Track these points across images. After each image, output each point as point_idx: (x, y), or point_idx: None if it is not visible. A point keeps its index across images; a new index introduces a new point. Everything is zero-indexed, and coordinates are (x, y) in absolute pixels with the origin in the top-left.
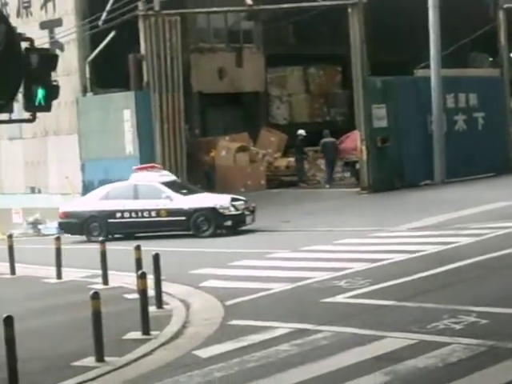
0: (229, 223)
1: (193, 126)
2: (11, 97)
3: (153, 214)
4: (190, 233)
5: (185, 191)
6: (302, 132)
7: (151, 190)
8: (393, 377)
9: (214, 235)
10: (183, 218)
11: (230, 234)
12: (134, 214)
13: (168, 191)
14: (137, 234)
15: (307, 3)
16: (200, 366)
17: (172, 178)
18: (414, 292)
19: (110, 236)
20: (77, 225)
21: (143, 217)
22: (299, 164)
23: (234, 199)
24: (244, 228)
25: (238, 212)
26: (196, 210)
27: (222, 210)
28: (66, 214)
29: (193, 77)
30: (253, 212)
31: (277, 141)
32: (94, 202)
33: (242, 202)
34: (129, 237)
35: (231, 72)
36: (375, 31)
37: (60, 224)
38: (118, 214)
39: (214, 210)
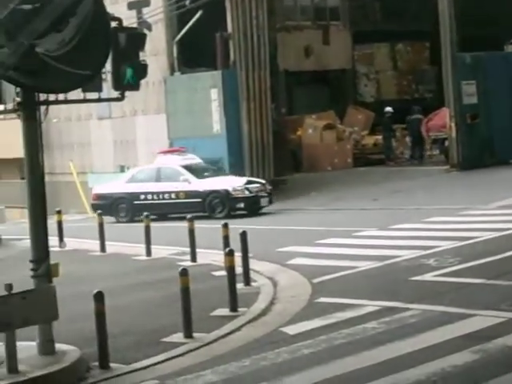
0: (241, 205)
1: (279, 105)
2: (98, 68)
3: (172, 195)
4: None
5: (207, 174)
6: (389, 109)
7: (172, 172)
8: (482, 355)
9: (252, 215)
10: (199, 199)
11: (249, 215)
12: (155, 196)
13: (187, 174)
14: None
15: None
16: (287, 342)
17: (195, 161)
18: (504, 270)
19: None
20: (106, 206)
21: (164, 199)
22: (387, 142)
23: (249, 182)
24: (268, 209)
25: (252, 194)
26: (210, 193)
27: (234, 193)
28: (98, 196)
29: (279, 55)
30: (270, 194)
31: (364, 118)
32: (122, 185)
33: (257, 185)
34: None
35: (318, 50)
36: (464, 6)
37: (92, 205)
38: (142, 196)
39: (227, 192)
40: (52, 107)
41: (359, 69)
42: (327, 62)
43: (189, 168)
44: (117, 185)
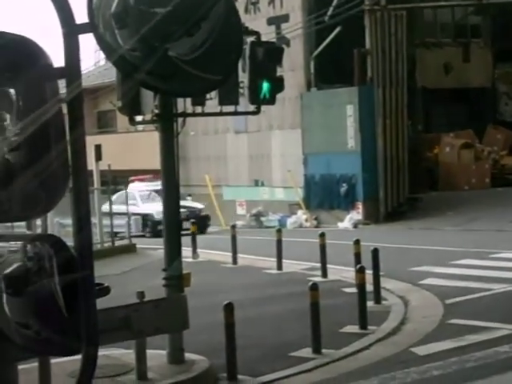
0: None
1: (416, 122)
2: (228, 74)
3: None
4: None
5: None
6: None
7: (131, 196)
8: None
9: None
10: (141, 220)
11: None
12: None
13: (138, 198)
14: None
15: None
16: (417, 363)
17: (156, 187)
18: None
19: None
20: None
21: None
22: None
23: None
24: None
25: None
26: (145, 215)
27: (157, 216)
28: None
29: (417, 72)
30: (204, 218)
31: (503, 138)
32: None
33: (183, 210)
34: None
35: (457, 67)
36: None
37: None
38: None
39: (150, 215)
40: (190, 120)
41: (500, 87)
42: (467, 80)
43: (144, 193)
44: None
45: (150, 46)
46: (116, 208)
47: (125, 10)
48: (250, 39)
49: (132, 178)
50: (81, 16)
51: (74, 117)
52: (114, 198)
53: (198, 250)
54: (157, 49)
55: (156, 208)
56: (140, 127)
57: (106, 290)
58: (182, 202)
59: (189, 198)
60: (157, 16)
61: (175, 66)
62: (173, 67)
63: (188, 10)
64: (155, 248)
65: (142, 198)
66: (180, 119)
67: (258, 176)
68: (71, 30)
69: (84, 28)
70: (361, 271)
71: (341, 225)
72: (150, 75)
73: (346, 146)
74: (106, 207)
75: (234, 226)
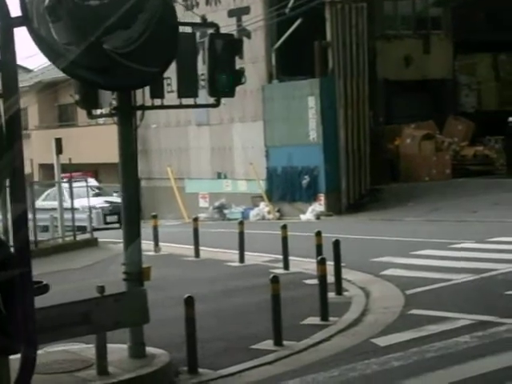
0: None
1: (377, 114)
2: (165, 65)
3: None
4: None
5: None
6: None
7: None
8: None
9: None
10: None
11: None
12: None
13: (66, 194)
14: None
15: None
16: (378, 354)
17: (83, 185)
18: None
19: None
20: None
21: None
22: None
23: (105, 201)
24: None
25: None
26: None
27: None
28: None
29: (378, 64)
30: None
31: (464, 129)
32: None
33: (106, 205)
34: None
35: (418, 59)
36: None
37: None
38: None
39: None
40: (151, 113)
41: (460, 79)
42: (427, 72)
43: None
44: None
45: (85, 40)
46: (48, 204)
47: (58, 2)
48: (209, 31)
49: (62, 175)
50: (16, 10)
51: (11, 111)
52: (46, 193)
53: (160, 244)
54: (92, 42)
55: (82, 203)
56: (101, 120)
57: (44, 288)
58: (108, 198)
59: (115, 194)
60: (92, 9)
61: (112, 60)
62: (109, 61)
63: (124, 2)
64: (117, 242)
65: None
66: (139, 112)
67: (220, 168)
68: (5, 24)
69: (18, 21)
70: (322, 263)
71: (303, 217)
72: (87, 69)
73: (308, 137)
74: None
75: (196, 219)
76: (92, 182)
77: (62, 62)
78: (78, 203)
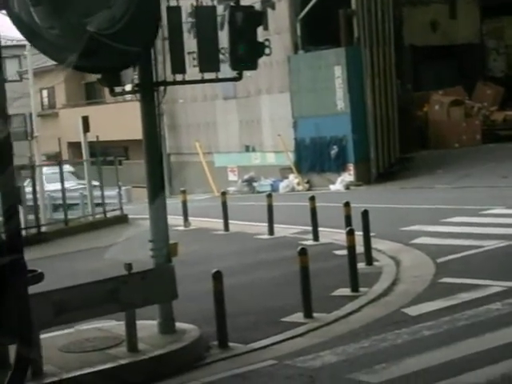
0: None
1: (405, 81)
2: (148, 44)
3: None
4: None
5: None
6: None
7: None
8: None
9: None
10: None
11: None
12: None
13: (44, 179)
14: None
15: None
16: (408, 323)
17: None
18: None
19: None
20: None
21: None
22: None
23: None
24: None
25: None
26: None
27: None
28: None
29: (405, 30)
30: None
31: (493, 94)
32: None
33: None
34: None
35: (444, 24)
36: None
37: None
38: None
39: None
40: (178, 88)
41: (488, 43)
42: (455, 37)
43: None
44: None
45: (67, 23)
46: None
47: None
48: (229, 4)
49: (42, 162)
50: None
51: None
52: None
53: (190, 218)
54: (75, 25)
55: (55, 187)
56: (128, 97)
57: (38, 277)
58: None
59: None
60: None
61: (96, 42)
62: (94, 43)
63: None
64: (145, 218)
65: (48, 179)
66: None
67: (248, 141)
68: None
69: None
70: (350, 233)
71: (332, 187)
72: (72, 53)
73: (336, 107)
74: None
75: (224, 193)
76: (67, 167)
77: (45, 46)
78: (53, 187)
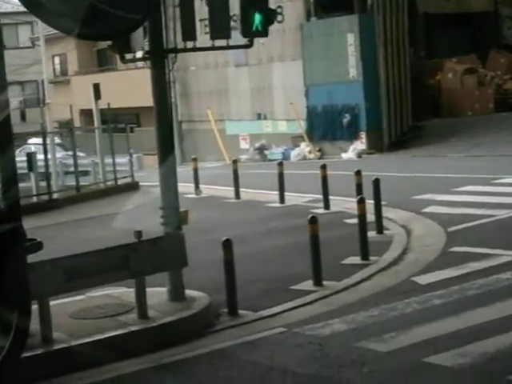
0: None
1: (418, 49)
2: (148, 10)
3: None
4: None
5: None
6: None
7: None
8: None
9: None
10: None
11: None
12: None
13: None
14: None
15: None
16: (418, 292)
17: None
18: None
19: None
20: None
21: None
22: None
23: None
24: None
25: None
26: None
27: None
28: None
29: None
30: None
31: (507, 62)
32: None
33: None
34: None
35: None
36: None
37: None
38: None
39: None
40: (190, 55)
41: (503, 11)
42: (469, 5)
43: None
44: None
45: None
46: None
47: None
48: None
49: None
50: None
51: None
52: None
53: (201, 186)
54: None
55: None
56: (140, 64)
57: (37, 246)
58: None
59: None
60: None
61: (93, 8)
62: (91, 9)
63: None
64: (156, 185)
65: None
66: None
67: (260, 109)
68: None
69: None
70: (361, 202)
71: (344, 155)
72: (71, 20)
73: (348, 75)
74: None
75: (235, 161)
76: (55, 139)
77: (44, 14)
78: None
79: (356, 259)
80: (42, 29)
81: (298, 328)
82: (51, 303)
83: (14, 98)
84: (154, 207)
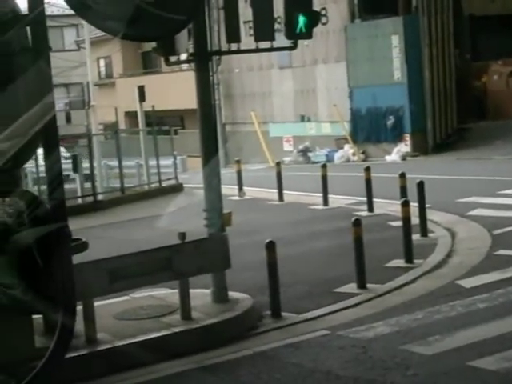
0: None
1: (463, 51)
2: (193, 13)
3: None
4: None
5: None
6: None
7: None
8: None
9: None
10: None
11: None
12: None
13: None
14: None
15: None
16: (463, 296)
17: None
18: None
19: None
20: None
21: None
22: None
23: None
24: None
25: None
26: None
27: None
28: None
29: None
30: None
31: None
32: None
33: None
34: None
35: None
36: None
37: None
38: None
39: None
40: (234, 57)
41: None
42: None
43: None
44: None
45: None
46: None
47: None
48: None
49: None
50: None
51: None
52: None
53: (244, 188)
54: None
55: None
56: (185, 66)
57: (82, 246)
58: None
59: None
60: None
61: (139, 10)
62: (138, 11)
63: None
64: (200, 187)
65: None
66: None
67: (303, 111)
68: None
69: None
70: (405, 205)
71: (388, 158)
72: (116, 21)
73: (392, 77)
74: None
75: (279, 163)
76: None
77: (90, 15)
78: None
79: (400, 262)
80: (88, 31)
81: (342, 331)
82: (95, 304)
83: (60, 100)
84: (198, 209)
